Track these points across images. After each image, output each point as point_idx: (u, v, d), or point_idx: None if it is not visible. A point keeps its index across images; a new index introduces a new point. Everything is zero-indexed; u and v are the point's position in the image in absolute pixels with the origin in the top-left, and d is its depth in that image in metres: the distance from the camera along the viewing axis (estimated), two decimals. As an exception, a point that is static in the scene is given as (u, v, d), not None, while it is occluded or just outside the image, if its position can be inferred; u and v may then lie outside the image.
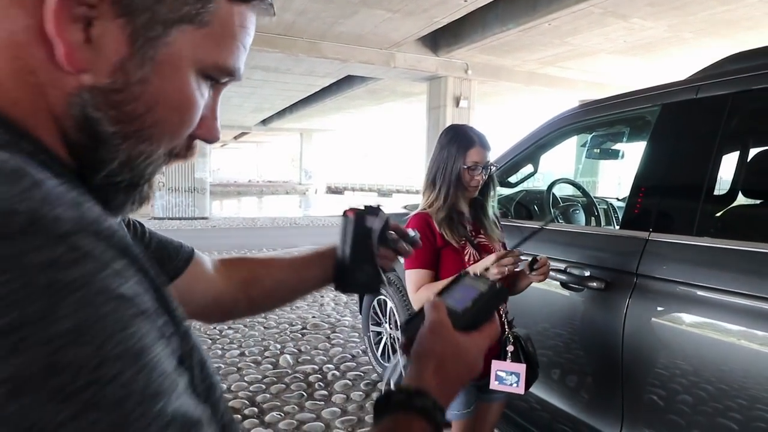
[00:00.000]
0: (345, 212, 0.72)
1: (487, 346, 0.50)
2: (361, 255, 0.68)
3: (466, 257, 1.37)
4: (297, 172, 37.97)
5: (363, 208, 0.73)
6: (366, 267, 0.68)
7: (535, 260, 1.33)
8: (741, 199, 1.48)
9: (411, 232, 0.75)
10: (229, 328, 3.79)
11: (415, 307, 1.40)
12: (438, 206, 1.40)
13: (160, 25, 0.34)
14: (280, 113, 21.74)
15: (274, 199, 26.87)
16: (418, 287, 1.37)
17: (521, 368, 1.28)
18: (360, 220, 0.70)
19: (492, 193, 1.49)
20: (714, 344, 1.24)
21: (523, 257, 1.32)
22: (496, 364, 1.31)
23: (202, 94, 0.39)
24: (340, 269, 0.70)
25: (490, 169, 1.42)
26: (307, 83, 14.07)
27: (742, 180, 1.48)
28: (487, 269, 1.24)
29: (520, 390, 1.28)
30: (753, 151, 1.50)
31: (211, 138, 0.42)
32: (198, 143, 0.43)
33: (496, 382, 1.30)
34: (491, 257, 1.28)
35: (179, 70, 0.36)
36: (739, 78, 1.35)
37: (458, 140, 1.40)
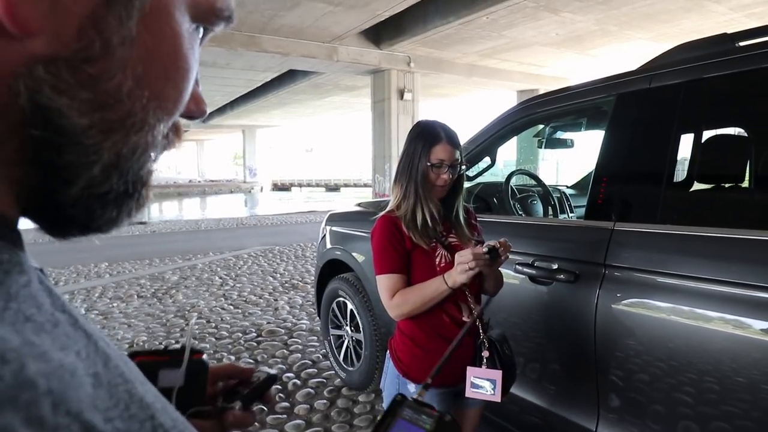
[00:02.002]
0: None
1: None
2: None
3: (437, 259, 1.31)
4: (241, 170, 36.77)
5: (156, 354, 0.49)
6: None
7: (494, 250, 1.21)
8: (698, 185, 1.53)
9: (259, 375, 0.54)
10: (177, 342, 3.55)
11: (391, 314, 1.31)
12: (405, 207, 1.33)
13: None
14: (221, 110, 20.91)
15: (218, 199, 25.85)
16: (392, 293, 1.29)
17: (497, 375, 1.22)
18: (147, 377, 0.42)
19: (461, 191, 1.40)
20: (684, 329, 1.26)
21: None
22: (471, 371, 1.25)
23: (195, 55, 0.29)
24: None
25: (460, 169, 1.35)
26: (247, 78, 13.60)
27: (698, 166, 1.53)
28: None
29: (497, 397, 1.22)
30: (705, 137, 1.55)
31: (200, 111, 0.32)
32: (181, 123, 0.33)
33: (472, 390, 1.24)
34: (460, 263, 1.19)
35: (172, 20, 0.26)
36: (689, 67, 1.37)
37: (424, 136, 1.32)
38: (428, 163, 1.30)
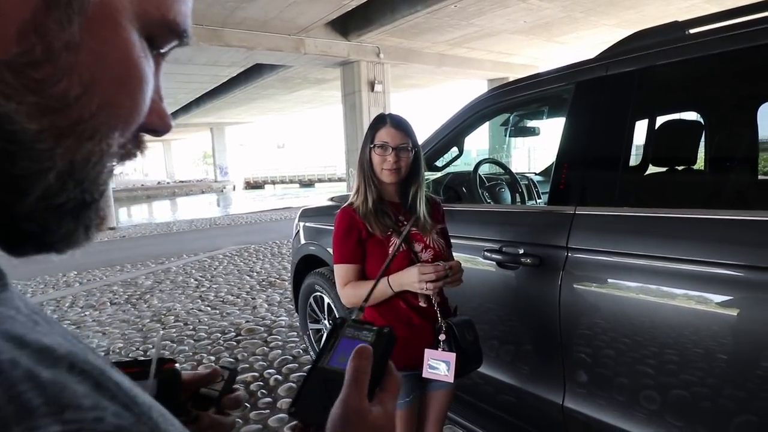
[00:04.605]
0: None
1: (395, 404, 0.45)
2: None
3: (390, 248, 1.34)
4: (211, 169, 36.06)
5: (126, 366, 0.49)
6: None
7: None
8: (653, 168, 1.59)
9: (222, 371, 0.55)
10: (154, 348, 3.50)
11: (342, 301, 1.35)
12: (360, 197, 1.37)
13: None
14: (186, 108, 20.38)
15: (190, 200, 25.31)
16: (344, 282, 1.35)
17: (451, 357, 1.28)
18: None
19: (419, 179, 1.41)
20: (642, 306, 1.33)
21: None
22: (428, 353, 1.30)
23: (149, 64, 0.29)
24: None
25: (413, 155, 1.37)
26: (212, 74, 13.28)
27: (652, 150, 1.60)
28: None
29: (450, 378, 1.27)
30: (659, 123, 1.61)
31: (164, 127, 0.32)
32: (144, 137, 0.32)
33: (429, 370, 1.29)
34: (414, 271, 1.25)
35: (119, 28, 0.26)
36: (643, 55, 1.43)
37: (371, 125, 1.39)
38: (371, 145, 1.35)
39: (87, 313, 4.49)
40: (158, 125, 0.31)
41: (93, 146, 0.26)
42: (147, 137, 0.33)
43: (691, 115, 1.68)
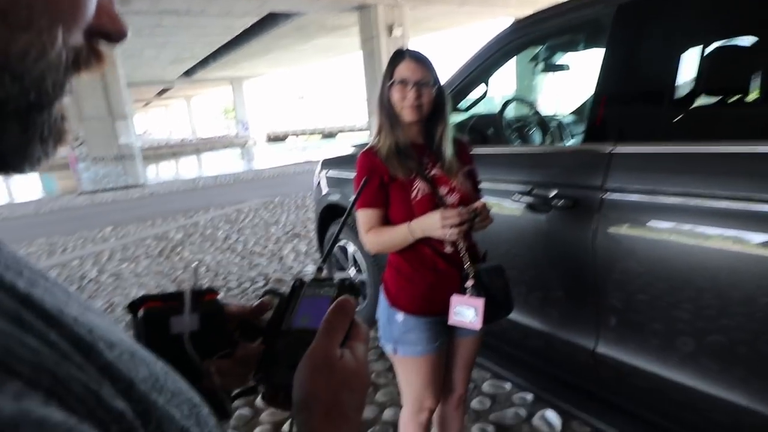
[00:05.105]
0: (130, 307, 0.45)
1: (367, 351, 0.43)
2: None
3: (414, 192, 1.27)
4: (233, 124, 36.11)
5: (165, 299, 0.46)
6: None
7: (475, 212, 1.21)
8: (701, 100, 1.45)
9: (272, 299, 0.52)
10: (188, 296, 3.63)
11: (365, 248, 1.32)
12: (381, 139, 1.30)
13: None
14: (203, 62, 20.16)
15: (213, 155, 25.58)
16: (367, 228, 1.30)
17: (479, 302, 1.23)
18: (155, 325, 0.43)
19: (444, 118, 1.32)
20: (683, 248, 1.25)
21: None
22: (455, 299, 1.25)
23: None
24: None
25: (436, 89, 1.28)
26: (225, 25, 12.99)
27: (703, 79, 1.44)
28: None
29: (477, 325, 1.22)
30: (711, 48, 1.45)
31: (117, 30, 0.29)
32: (104, 49, 0.29)
33: (455, 317, 1.26)
34: (436, 217, 1.19)
35: None
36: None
37: (390, 60, 1.29)
38: (390, 82, 1.26)
39: (124, 265, 4.68)
40: (110, 27, 0.28)
41: (31, 38, 0.23)
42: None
43: (749, 40, 1.50)
